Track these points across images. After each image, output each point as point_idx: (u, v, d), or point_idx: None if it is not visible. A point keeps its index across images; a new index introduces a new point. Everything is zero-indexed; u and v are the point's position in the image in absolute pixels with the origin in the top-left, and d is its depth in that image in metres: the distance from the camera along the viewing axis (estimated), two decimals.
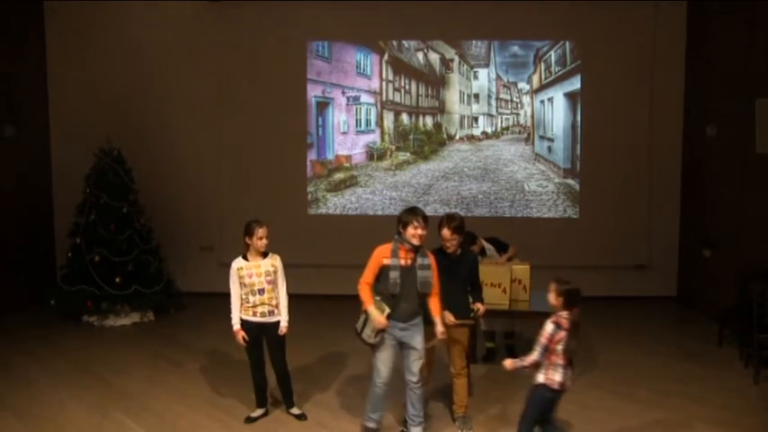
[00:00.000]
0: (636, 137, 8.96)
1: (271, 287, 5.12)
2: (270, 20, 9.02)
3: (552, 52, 9.05)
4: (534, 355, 4.23)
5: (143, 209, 8.34)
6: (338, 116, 9.16)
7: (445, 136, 9.25)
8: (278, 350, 5.23)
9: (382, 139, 9.21)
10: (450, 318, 4.93)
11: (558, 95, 9.09)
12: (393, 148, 9.23)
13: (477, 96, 9.19)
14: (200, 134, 9.13)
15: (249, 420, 5.31)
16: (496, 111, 9.19)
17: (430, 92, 9.21)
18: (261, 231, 5.06)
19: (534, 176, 9.16)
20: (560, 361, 4.22)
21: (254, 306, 5.10)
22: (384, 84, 9.13)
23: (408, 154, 9.25)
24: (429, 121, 9.23)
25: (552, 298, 4.27)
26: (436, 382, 5.62)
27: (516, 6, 8.85)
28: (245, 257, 5.15)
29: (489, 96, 9.17)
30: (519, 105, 9.17)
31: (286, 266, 5.26)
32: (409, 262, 4.70)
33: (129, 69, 9.01)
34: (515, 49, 9.11)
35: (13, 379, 6.20)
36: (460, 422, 5.20)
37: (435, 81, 9.18)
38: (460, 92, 9.18)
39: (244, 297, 5.12)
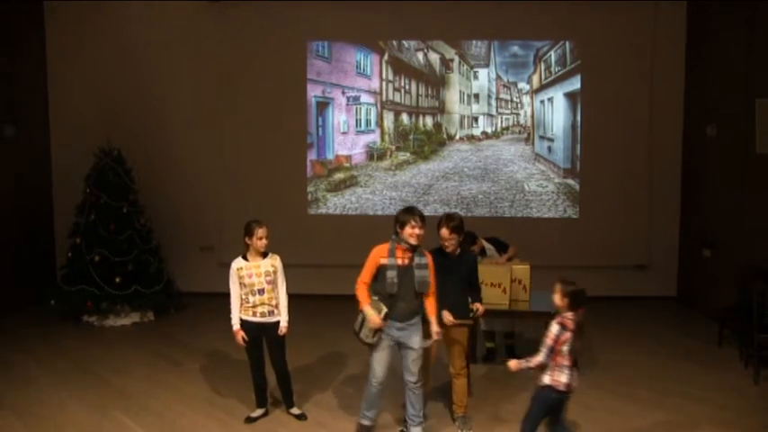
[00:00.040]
0: (636, 137, 8.96)
1: (270, 287, 5.11)
2: (270, 20, 9.02)
3: (552, 52, 9.06)
4: (540, 357, 4.22)
5: (143, 209, 8.34)
6: (338, 116, 9.16)
7: (445, 136, 9.25)
8: (278, 350, 5.23)
9: (382, 139, 9.21)
10: (448, 317, 4.93)
11: (558, 95, 9.09)
12: (393, 148, 9.23)
13: (477, 96, 9.19)
14: (201, 134, 9.13)
15: (249, 420, 5.31)
16: (496, 111, 9.19)
17: (430, 92, 9.21)
18: (261, 231, 5.06)
19: (534, 176, 9.16)
20: (566, 362, 4.21)
21: (254, 306, 5.10)
22: (384, 84, 9.13)
23: (408, 154, 9.25)
24: (429, 121, 9.23)
25: (558, 299, 4.25)
26: (436, 382, 5.62)
27: (516, 6, 8.85)
28: (244, 257, 5.15)
29: (489, 96, 9.17)
30: (519, 105, 9.17)
31: (286, 266, 5.26)
32: (407, 261, 4.71)
33: (129, 69, 9.01)
34: (515, 49, 9.11)
35: (13, 378, 6.20)
36: (460, 422, 5.20)
37: (435, 81, 9.18)
38: (460, 92, 9.18)
39: (244, 297, 5.12)
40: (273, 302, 5.14)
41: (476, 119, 9.22)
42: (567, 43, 9.01)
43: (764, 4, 7.13)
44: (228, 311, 5.18)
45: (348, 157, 9.21)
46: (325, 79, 9.11)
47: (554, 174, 9.14)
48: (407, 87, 9.18)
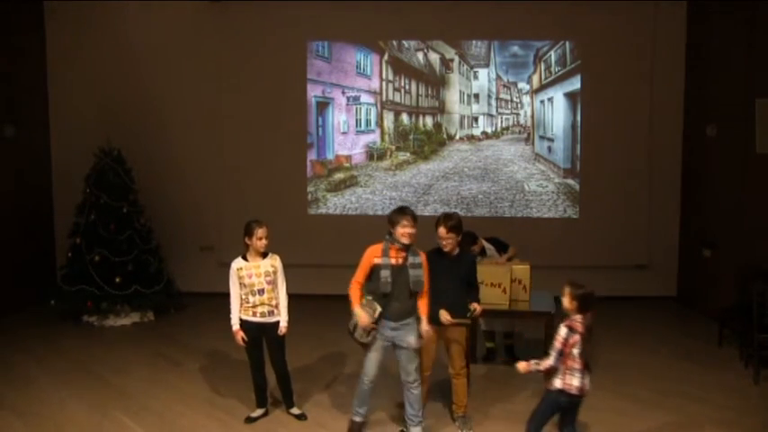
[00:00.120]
0: (636, 137, 8.96)
1: (270, 287, 5.11)
2: (270, 20, 9.02)
3: (552, 52, 9.05)
4: (550, 360, 4.20)
5: (143, 209, 8.34)
6: (338, 116, 9.16)
7: (445, 136, 9.25)
8: (278, 350, 5.23)
9: (382, 139, 9.21)
10: (446, 317, 4.94)
11: (558, 95, 9.09)
12: (393, 148, 9.23)
13: (477, 96, 9.19)
14: (201, 134, 9.13)
15: (249, 420, 5.31)
16: (496, 111, 9.19)
17: (430, 92, 9.21)
18: (260, 231, 5.06)
19: (534, 176, 9.16)
20: (577, 365, 4.19)
21: (254, 306, 5.10)
22: (384, 84, 9.13)
23: (408, 154, 9.25)
24: (429, 121, 9.23)
25: (566, 302, 4.23)
26: (436, 382, 5.61)
27: (516, 6, 8.85)
28: (244, 258, 5.15)
29: (489, 96, 9.17)
30: (519, 105, 9.17)
31: (286, 266, 5.26)
32: (400, 261, 4.73)
33: (129, 69, 9.00)
34: (515, 49, 9.11)
35: (13, 378, 6.20)
36: (460, 422, 5.20)
37: (435, 81, 9.18)
38: (460, 92, 9.18)
39: (243, 297, 5.12)
40: (273, 302, 5.14)
41: (476, 119, 9.22)
42: (567, 43, 9.01)
43: (764, 4, 7.13)
44: (228, 311, 5.17)
45: (348, 157, 9.21)
46: (326, 79, 9.11)
47: (554, 174, 9.14)
48: (407, 87, 9.18)
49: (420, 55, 9.17)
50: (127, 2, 8.95)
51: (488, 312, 5.81)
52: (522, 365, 4.32)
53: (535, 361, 4.30)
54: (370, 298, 4.75)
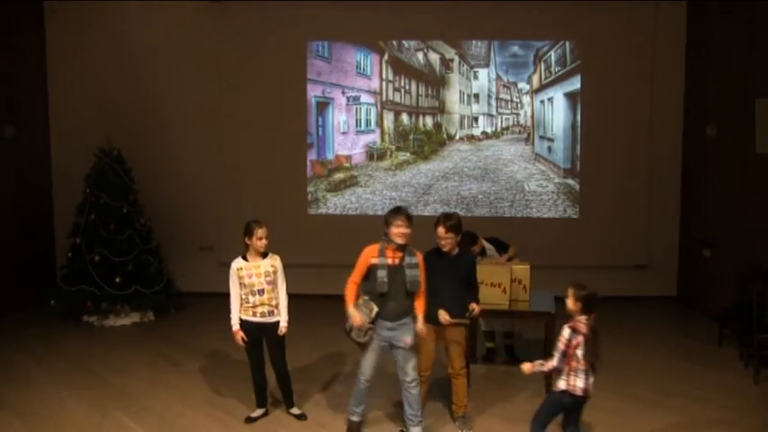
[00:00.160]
0: (636, 137, 8.96)
1: (270, 287, 5.11)
2: (270, 20, 9.02)
3: (552, 52, 9.05)
4: (554, 361, 4.21)
5: (143, 209, 8.34)
6: (338, 116, 9.16)
7: (445, 136, 9.25)
8: (278, 350, 5.23)
9: (382, 139, 9.21)
10: (445, 317, 4.94)
11: (558, 95, 9.09)
12: (393, 148, 9.23)
13: (477, 96, 9.19)
14: (200, 134, 9.13)
15: (249, 420, 5.31)
16: (496, 111, 9.19)
17: (430, 92, 9.21)
18: (260, 232, 5.06)
19: (534, 176, 9.16)
20: (581, 366, 4.19)
21: (254, 306, 5.10)
22: (384, 84, 9.13)
23: (408, 154, 9.25)
24: (429, 121, 9.23)
25: (570, 303, 4.23)
26: (435, 382, 5.61)
27: (516, 6, 8.85)
28: (244, 258, 5.15)
29: (489, 96, 9.17)
30: (519, 105, 9.17)
31: (286, 266, 5.26)
32: (397, 261, 4.74)
33: (129, 69, 9.00)
34: (515, 49, 9.11)
35: (13, 378, 6.20)
36: (460, 422, 5.20)
37: (435, 81, 9.18)
38: (460, 92, 9.18)
39: (243, 297, 5.11)
40: (273, 302, 5.13)
41: (476, 119, 9.22)
42: (567, 43, 9.01)
43: (764, 4, 7.13)
44: (228, 311, 5.17)
45: (348, 157, 9.21)
46: (326, 79, 9.11)
47: (554, 174, 9.14)
48: (407, 87, 9.18)
49: (420, 55, 9.17)
50: (127, 2, 8.95)
51: (488, 312, 5.80)
52: (526, 366, 4.33)
53: (540, 362, 4.31)
54: (366, 298, 4.76)
